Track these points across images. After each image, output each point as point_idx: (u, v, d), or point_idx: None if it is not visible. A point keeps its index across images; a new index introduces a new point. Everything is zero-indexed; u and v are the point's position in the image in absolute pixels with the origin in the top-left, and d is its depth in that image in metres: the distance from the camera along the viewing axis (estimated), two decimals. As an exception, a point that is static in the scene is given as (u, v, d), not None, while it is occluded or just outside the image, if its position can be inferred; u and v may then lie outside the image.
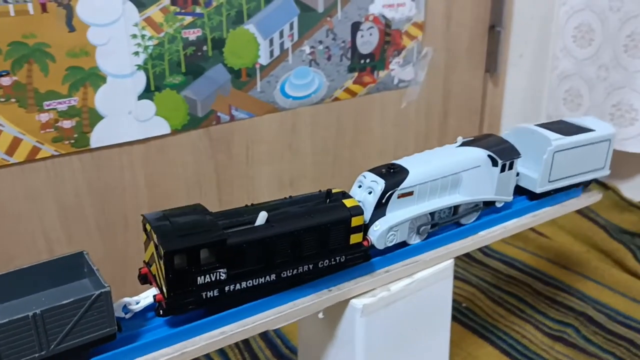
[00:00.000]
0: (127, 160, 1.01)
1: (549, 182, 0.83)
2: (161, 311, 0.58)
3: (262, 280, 0.62)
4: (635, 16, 1.30)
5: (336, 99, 1.22)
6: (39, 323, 0.50)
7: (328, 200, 0.67)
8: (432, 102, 1.38)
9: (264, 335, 1.08)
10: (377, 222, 0.69)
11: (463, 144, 0.78)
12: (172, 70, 1.00)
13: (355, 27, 1.18)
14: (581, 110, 1.48)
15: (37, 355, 0.51)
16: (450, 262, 0.75)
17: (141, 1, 0.93)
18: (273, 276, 0.63)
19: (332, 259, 0.66)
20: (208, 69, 1.03)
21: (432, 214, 0.73)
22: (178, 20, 0.98)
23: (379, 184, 0.68)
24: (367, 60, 1.22)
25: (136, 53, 0.96)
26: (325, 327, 0.72)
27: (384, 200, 0.69)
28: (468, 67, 1.42)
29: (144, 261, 0.63)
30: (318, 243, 0.65)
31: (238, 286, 0.61)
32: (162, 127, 1.02)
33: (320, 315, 0.66)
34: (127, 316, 0.60)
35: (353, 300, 0.67)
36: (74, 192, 0.97)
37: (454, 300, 1.17)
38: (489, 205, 0.78)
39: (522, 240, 1.35)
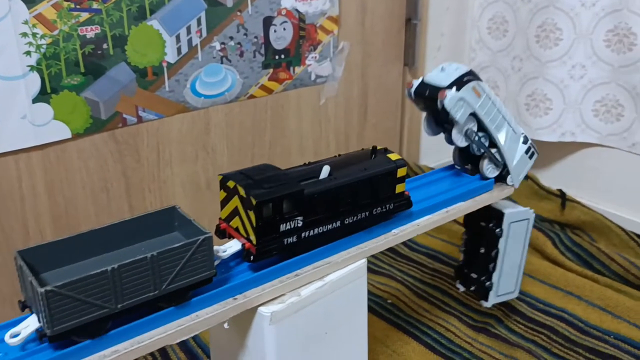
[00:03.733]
0: (25, 167, 0.95)
1: None
2: (252, 257, 0.65)
3: (329, 227, 0.70)
4: (546, 7, 1.32)
5: (252, 96, 1.18)
6: (155, 264, 0.55)
7: (374, 156, 0.76)
8: (351, 97, 1.36)
9: (184, 345, 1.03)
10: None
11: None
12: (69, 71, 0.93)
13: (268, 21, 1.15)
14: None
15: (151, 294, 0.56)
16: (362, 262, 0.72)
17: (30, -3, 0.87)
18: (338, 223, 0.71)
19: (383, 207, 0.75)
20: (110, 68, 0.98)
21: None
22: (73, 16, 0.92)
23: None
24: (282, 56, 1.19)
25: (28, 53, 0.89)
26: (234, 337, 0.69)
27: None
28: (386, 61, 1.41)
29: (220, 218, 0.70)
30: (371, 192, 0.73)
31: (311, 232, 0.68)
32: (61, 131, 0.95)
33: (226, 326, 0.63)
34: (215, 263, 0.63)
35: (261, 308, 0.64)
36: (-36, 205, 0.91)
37: (379, 297, 1.16)
38: None
39: (446, 233, 1.36)
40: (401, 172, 0.75)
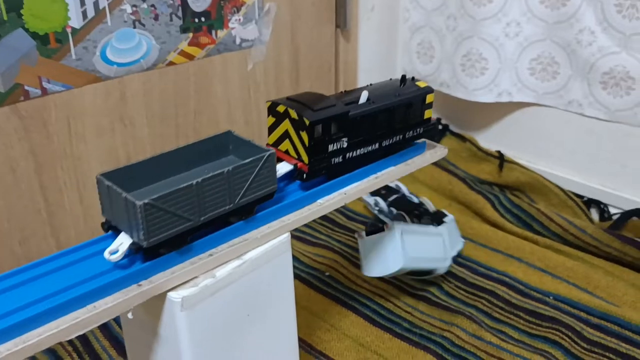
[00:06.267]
0: None
1: None
2: (304, 175, 0.70)
3: (369, 148, 0.75)
4: (479, -38, 1.27)
5: (171, 63, 1.10)
6: (230, 179, 0.59)
7: (403, 84, 0.79)
8: (281, 62, 1.29)
9: (106, 329, 0.96)
10: None
11: None
12: (-44, 39, 0.84)
13: (184, -19, 1.06)
14: (434, 63, 1.45)
15: (227, 207, 0.60)
16: (286, 236, 0.67)
17: None
18: (376, 145, 0.76)
19: (414, 131, 0.80)
20: (4, 35, 0.88)
21: None
22: (-45, -23, 0.82)
23: None
24: (202, 19, 1.11)
25: None
26: (146, 325, 0.62)
27: None
28: (317, 23, 1.34)
29: (267, 143, 0.73)
30: (404, 117, 0.78)
31: (354, 153, 0.74)
32: (-48, 107, 0.86)
33: (130, 316, 0.56)
34: None
35: (170, 294, 0.58)
36: None
37: (316, 270, 1.11)
38: None
39: (384, 200, 1.31)
40: (429, 97, 0.81)
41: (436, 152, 0.84)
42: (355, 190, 0.73)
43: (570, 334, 0.93)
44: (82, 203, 1.06)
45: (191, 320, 0.59)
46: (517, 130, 1.41)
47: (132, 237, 0.56)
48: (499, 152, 1.41)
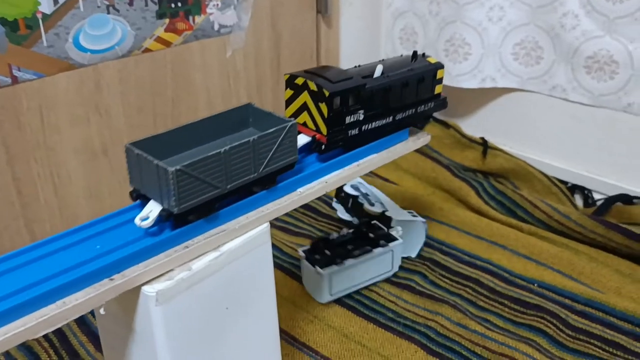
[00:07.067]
0: None
1: None
2: (323, 146, 0.71)
3: (383, 121, 0.77)
4: (461, -55, 1.25)
5: (147, 50, 1.07)
6: (255, 148, 0.61)
7: (414, 60, 0.81)
8: (261, 48, 1.27)
9: (84, 324, 0.94)
10: None
11: None
12: None
13: (160, -35, 1.03)
14: (417, 49, 1.43)
15: (251, 176, 0.62)
16: (265, 227, 0.65)
17: None
18: (390, 118, 0.78)
19: (426, 105, 0.83)
20: (-29, 21, 0.85)
21: None
22: None
23: None
24: (179, 4, 1.08)
25: None
26: (121, 321, 0.60)
27: None
28: (298, 8, 1.31)
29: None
30: (416, 91, 0.80)
31: (369, 126, 0.75)
32: None
33: (102, 311, 0.54)
34: None
35: (144, 287, 0.56)
36: None
37: (299, 260, 1.10)
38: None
39: (368, 188, 1.30)
40: (440, 73, 0.83)
41: (418, 138, 0.82)
42: (336, 179, 0.71)
43: (555, 321, 0.93)
44: (57, 195, 1.03)
45: (167, 315, 0.57)
46: (501, 117, 1.40)
47: (162, 204, 0.58)
48: (482, 138, 1.40)
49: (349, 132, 0.73)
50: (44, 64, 0.94)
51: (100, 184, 1.08)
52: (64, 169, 1.02)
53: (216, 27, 1.15)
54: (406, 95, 0.78)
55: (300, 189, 0.69)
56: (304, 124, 0.73)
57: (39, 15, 0.91)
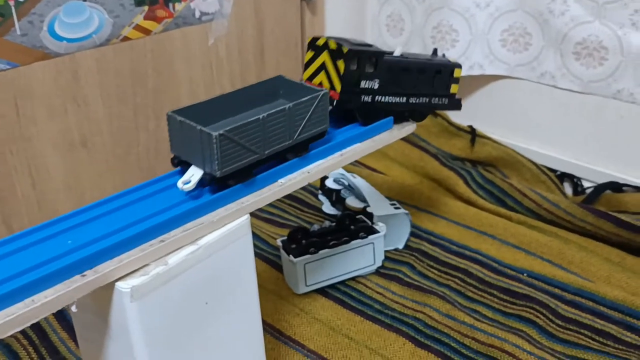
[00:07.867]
0: None
1: None
2: (334, 102, 0.72)
3: (397, 99, 0.78)
4: None
5: (126, 38, 1.04)
6: (291, 115, 0.63)
7: (433, 56, 0.84)
8: (244, 36, 1.24)
9: (64, 321, 0.92)
10: None
11: None
12: None
13: (137, -50, 1.00)
14: (404, 36, 1.41)
15: (287, 142, 0.65)
16: (245, 219, 0.62)
17: None
18: (404, 99, 0.79)
19: (440, 99, 0.84)
20: (-61, 8, 0.82)
21: None
22: None
23: None
24: (158, -9, 1.05)
25: None
26: (96, 318, 0.58)
27: None
28: (282, -5, 1.29)
29: (302, 79, 0.76)
30: (431, 82, 0.81)
31: (383, 99, 0.77)
32: None
33: (74, 309, 0.52)
34: None
35: (118, 283, 0.53)
36: None
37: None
38: None
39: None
40: (457, 72, 0.84)
41: (404, 127, 0.80)
42: (319, 169, 0.69)
43: (544, 311, 0.91)
44: (35, 188, 1.00)
45: (142, 312, 0.55)
46: (489, 104, 1.38)
47: (204, 169, 0.60)
48: (470, 126, 1.38)
49: (362, 97, 0.74)
50: (18, 54, 0.91)
51: (80, 176, 1.05)
52: (42, 161, 0.99)
53: (197, 14, 1.12)
54: (422, 82, 0.80)
55: (281, 180, 0.66)
56: (320, 84, 0.75)
57: (12, 3, 0.88)
